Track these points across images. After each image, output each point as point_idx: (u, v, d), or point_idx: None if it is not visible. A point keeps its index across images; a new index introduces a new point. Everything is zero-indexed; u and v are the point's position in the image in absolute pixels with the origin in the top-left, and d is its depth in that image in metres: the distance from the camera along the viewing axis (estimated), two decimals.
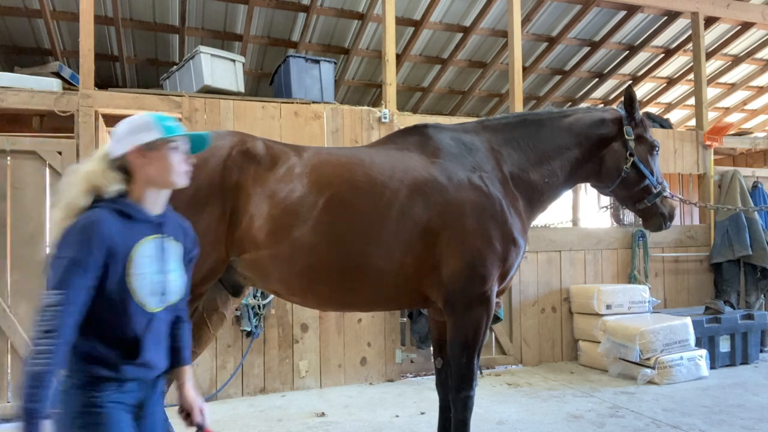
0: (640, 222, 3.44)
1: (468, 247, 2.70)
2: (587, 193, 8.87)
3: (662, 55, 8.34)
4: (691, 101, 8.75)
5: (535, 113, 3.22)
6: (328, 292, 2.70)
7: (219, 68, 5.41)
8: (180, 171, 1.76)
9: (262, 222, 2.54)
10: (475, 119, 3.27)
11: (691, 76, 7.74)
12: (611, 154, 3.17)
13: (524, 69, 7.91)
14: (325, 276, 2.62)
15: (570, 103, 9.26)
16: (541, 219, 6.17)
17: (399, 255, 2.65)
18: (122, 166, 1.71)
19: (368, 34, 7.11)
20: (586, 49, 8.08)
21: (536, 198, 3.06)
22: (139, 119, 1.75)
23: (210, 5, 6.33)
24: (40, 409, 1.44)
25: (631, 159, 3.15)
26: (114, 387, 1.66)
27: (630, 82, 8.76)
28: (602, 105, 8.79)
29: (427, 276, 2.74)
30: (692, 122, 9.14)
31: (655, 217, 3.29)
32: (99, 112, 4.61)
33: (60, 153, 4.42)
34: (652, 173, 3.22)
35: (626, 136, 3.15)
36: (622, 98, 3.25)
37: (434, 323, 3.15)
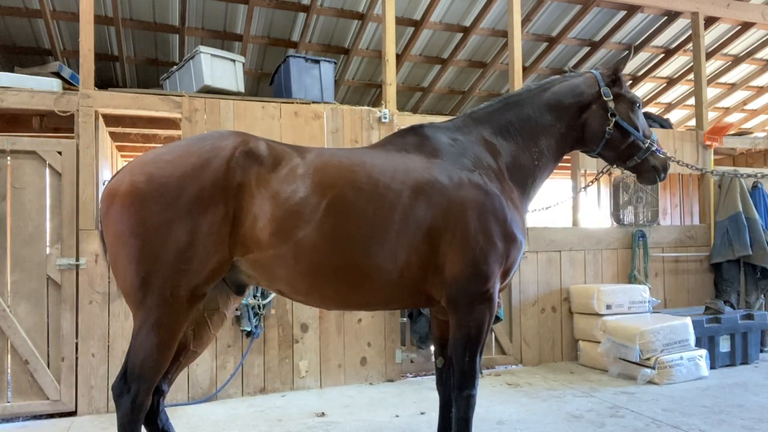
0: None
1: (470, 246, 2.71)
2: (587, 193, 8.86)
3: (662, 55, 8.35)
4: (691, 101, 8.76)
5: (516, 93, 3.21)
6: (333, 292, 2.70)
7: (219, 68, 5.41)
8: None
9: (265, 222, 2.53)
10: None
11: (691, 76, 7.74)
12: (593, 119, 3.17)
13: (524, 69, 7.91)
14: (330, 277, 2.62)
15: None
16: (540, 219, 6.18)
17: (403, 255, 2.66)
18: None
19: (368, 34, 7.11)
20: (586, 49, 8.08)
21: (530, 183, 3.08)
22: None
23: (210, 5, 6.34)
24: None
25: (613, 120, 3.15)
26: None
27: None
28: None
29: (431, 275, 2.75)
30: (692, 122, 9.15)
31: (648, 171, 3.28)
32: (99, 112, 4.62)
33: (60, 153, 4.42)
34: (637, 129, 3.20)
35: (605, 98, 3.16)
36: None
37: (436, 322, 3.16)
